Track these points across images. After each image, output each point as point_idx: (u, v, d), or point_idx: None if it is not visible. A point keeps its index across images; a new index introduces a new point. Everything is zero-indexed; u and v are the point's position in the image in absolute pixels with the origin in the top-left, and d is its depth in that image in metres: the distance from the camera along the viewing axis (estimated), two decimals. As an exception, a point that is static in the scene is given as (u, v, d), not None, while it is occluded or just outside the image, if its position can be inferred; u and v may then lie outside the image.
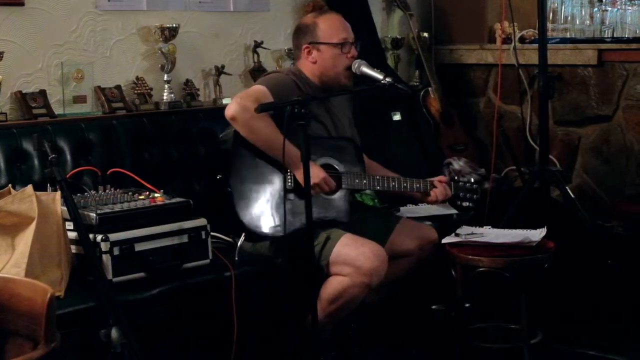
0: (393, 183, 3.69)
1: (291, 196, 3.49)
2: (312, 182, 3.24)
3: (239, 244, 3.42)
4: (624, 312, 4.01)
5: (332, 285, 3.42)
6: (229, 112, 3.46)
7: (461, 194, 3.77)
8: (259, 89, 3.55)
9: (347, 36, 3.71)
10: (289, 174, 3.49)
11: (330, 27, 3.70)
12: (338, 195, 3.61)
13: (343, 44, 3.68)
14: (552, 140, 4.77)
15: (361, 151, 3.79)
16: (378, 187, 3.69)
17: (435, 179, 3.75)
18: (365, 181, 3.65)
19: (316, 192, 3.46)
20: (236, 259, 3.38)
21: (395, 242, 3.69)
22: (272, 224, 3.49)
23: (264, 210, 3.50)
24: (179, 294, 3.22)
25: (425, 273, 3.80)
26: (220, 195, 3.54)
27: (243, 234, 3.44)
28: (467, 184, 3.79)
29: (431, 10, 5.31)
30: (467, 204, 3.78)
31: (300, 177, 3.35)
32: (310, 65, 3.71)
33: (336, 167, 3.64)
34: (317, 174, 3.45)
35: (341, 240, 3.45)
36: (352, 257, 3.40)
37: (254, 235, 3.50)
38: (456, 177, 3.79)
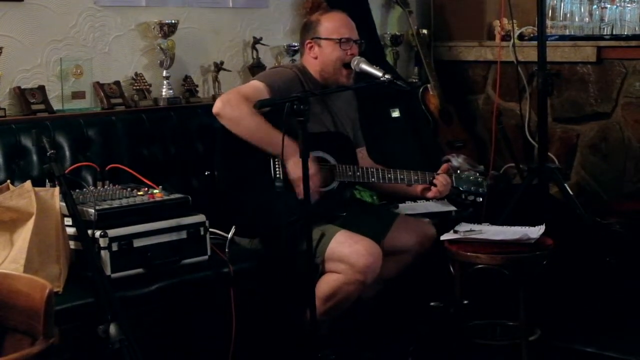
0: (389, 175, 3.67)
1: (280, 189, 3.46)
2: (296, 176, 3.31)
3: (228, 237, 3.41)
4: (622, 309, 4.02)
5: (327, 283, 3.42)
6: (214, 109, 3.51)
7: (464, 186, 3.70)
8: (254, 85, 3.57)
9: (349, 34, 3.72)
10: (277, 167, 3.49)
11: (333, 24, 3.72)
12: (331, 188, 3.60)
13: (343, 40, 3.68)
14: (551, 138, 4.78)
15: (354, 149, 3.78)
16: (373, 179, 3.66)
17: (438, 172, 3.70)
18: (358, 173, 3.63)
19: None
20: (227, 250, 3.37)
21: (394, 238, 3.69)
22: (262, 219, 3.48)
23: (253, 205, 3.50)
24: (177, 290, 3.22)
25: (423, 270, 3.80)
26: (210, 191, 3.55)
27: (233, 227, 3.43)
28: (472, 177, 3.72)
29: (430, 7, 5.32)
30: (474, 197, 3.70)
31: (291, 168, 3.37)
32: (313, 61, 3.73)
33: (328, 160, 3.63)
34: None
35: (335, 238, 3.44)
36: (346, 254, 3.40)
37: (245, 230, 3.50)
38: (459, 170, 3.75)
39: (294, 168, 3.38)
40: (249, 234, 3.54)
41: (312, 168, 3.43)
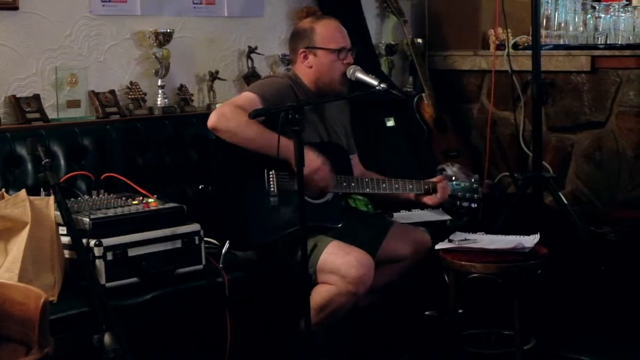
0: (384, 185, 3.67)
1: (275, 203, 3.46)
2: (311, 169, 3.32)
3: (223, 251, 3.40)
4: (616, 318, 4.02)
5: (320, 294, 3.40)
6: (209, 124, 3.47)
7: (460, 193, 3.73)
8: (246, 96, 3.54)
9: (344, 43, 3.70)
10: (272, 181, 3.48)
11: (328, 32, 3.69)
12: (326, 200, 3.60)
13: (339, 50, 3.67)
14: (546, 147, 4.78)
15: (349, 158, 3.78)
16: (368, 190, 3.67)
17: (433, 180, 3.72)
18: (353, 184, 3.64)
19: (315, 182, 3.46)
20: (221, 265, 3.37)
21: (389, 247, 3.69)
22: (256, 233, 3.47)
23: (247, 219, 3.49)
24: (172, 300, 3.21)
25: (418, 279, 3.80)
26: (205, 204, 3.55)
27: (227, 242, 3.43)
28: (466, 184, 3.74)
29: (425, 16, 5.32)
30: (468, 204, 3.73)
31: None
32: (306, 70, 3.70)
33: None
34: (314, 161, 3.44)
35: (327, 248, 3.43)
36: (337, 265, 3.39)
37: (239, 244, 3.49)
38: (454, 177, 3.76)
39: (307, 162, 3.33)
40: (243, 247, 3.52)
41: (319, 159, 3.45)
